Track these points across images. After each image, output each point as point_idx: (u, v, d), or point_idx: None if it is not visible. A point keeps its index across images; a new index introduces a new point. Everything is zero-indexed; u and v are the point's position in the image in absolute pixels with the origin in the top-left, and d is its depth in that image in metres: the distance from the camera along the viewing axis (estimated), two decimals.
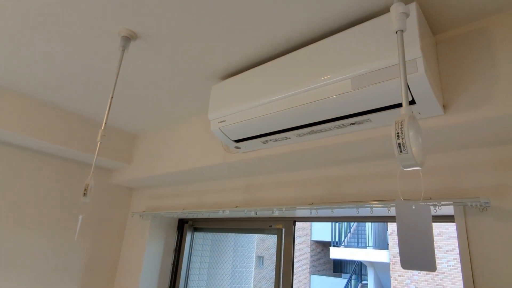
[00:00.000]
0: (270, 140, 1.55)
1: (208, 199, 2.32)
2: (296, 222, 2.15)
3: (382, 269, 10.56)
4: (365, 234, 10.87)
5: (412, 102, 1.11)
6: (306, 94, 1.26)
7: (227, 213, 1.94)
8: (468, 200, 1.12)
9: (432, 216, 1.55)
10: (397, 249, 9.48)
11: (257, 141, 1.58)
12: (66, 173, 2.56)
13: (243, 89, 1.49)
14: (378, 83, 1.08)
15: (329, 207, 1.49)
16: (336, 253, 10.96)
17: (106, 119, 1.29)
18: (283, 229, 2.17)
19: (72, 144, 2.28)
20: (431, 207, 1.25)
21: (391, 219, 1.59)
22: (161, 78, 1.74)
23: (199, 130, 2.10)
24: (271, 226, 2.25)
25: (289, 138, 1.50)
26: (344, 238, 11.59)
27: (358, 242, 11.15)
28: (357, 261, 11.90)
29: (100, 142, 1.20)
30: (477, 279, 1.15)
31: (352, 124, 1.29)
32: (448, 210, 1.41)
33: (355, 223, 11.92)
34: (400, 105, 1.14)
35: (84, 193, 1.13)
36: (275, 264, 2.14)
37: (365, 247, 10.69)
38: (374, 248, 10.37)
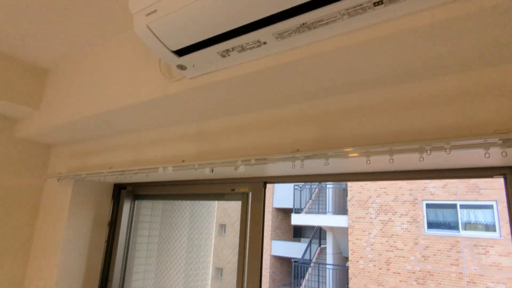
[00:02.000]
0: (233, 48, 0.95)
1: (147, 155, 1.70)
2: (267, 184, 1.62)
3: (341, 233, 10.80)
4: (326, 201, 10.94)
5: None
6: None
7: (170, 171, 1.35)
8: None
9: (477, 167, 1.10)
10: (355, 214, 9.65)
11: (212, 50, 0.97)
12: None
13: None
14: None
15: (324, 154, 0.96)
16: (297, 219, 10.98)
17: None
18: (249, 194, 1.63)
19: None
20: (499, 147, 0.76)
21: (417, 174, 1.10)
22: None
23: (128, 52, 1.44)
24: (233, 190, 1.70)
25: (264, 42, 0.92)
26: (306, 205, 11.62)
27: (319, 208, 11.24)
28: (317, 226, 12.08)
29: None
30: None
31: (378, 3, 0.74)
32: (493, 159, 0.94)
33: (317, 189, 11.94)
34: None
35: None
36: (239, 235, 1.62)
37: (325, 213, 10.83)
38: (333, 214, 10.53)
